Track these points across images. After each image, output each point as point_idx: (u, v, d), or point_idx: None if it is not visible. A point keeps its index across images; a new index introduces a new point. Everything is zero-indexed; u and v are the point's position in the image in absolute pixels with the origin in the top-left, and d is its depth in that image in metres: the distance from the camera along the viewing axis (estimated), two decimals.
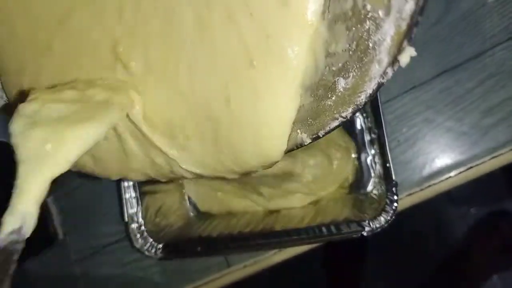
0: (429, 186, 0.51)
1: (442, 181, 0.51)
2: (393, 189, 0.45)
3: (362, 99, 0.25)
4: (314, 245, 0.53)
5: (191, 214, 0.58)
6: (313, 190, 0.53)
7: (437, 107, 0.51)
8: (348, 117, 0.26)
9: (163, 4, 0.26)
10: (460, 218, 1.04)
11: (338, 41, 0.25)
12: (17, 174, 0.22)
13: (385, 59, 0.24)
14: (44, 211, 0.60)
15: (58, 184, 0.59)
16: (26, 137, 0.22)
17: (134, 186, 0.53)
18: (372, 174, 0.52)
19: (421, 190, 0.51)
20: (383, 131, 0.46)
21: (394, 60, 0.23)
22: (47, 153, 0.22)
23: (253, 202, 0.55)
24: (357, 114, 0.52)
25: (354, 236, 0.46)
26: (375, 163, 0.51)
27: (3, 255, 0.22)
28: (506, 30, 0.49)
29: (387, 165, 0.46)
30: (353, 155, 0.53)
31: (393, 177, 0.46)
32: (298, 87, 0.25)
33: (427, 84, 0.51)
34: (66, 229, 0.63)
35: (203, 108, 0.26)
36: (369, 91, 0.25)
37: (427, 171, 0.51)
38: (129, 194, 0.52)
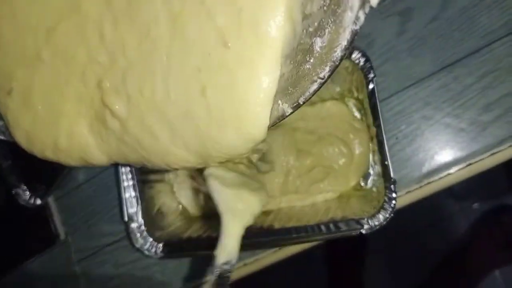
0: (428, 183, 0.51)
1: (441, 178, 0.51)
2: (392, 186, 0.45)
3: (338, 54, 0.25)
4: (314, 243, 0.53)
5: (190, 213, 0.58)
6: (336, 187, 0.53)
7: (435, 103, 0.51)
8: (326, 77, 0.25)
9: (136, 10, 0.25)
10: (462, 213, 1.04)
11: (313, 0, 0.25)
12: (222, 222, 0.33)
13: (356, 3, 0.23)
14: (45, 211, 0.60)
15: (59, 185, 0.60)
16: (222, 196, 0.33)
17: (134, 185, 0.53)
18: (371, 172, 0.52)
19: (420, 187, 0.51)
20: (381, 128, 0.46)
21: (364, 2, 0.23)
22: (240, 210, 0.33)
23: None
24: (357, 113, 0.52)
25: (353, 234, 0.46)
26: (374, 161, 0.51)
27: (221, 279, 0.32)
28: (506, 26, 0.49)
29: (386, 162, 0.46)
30: (371, 140, 0.51)
31: (392, 175, 0.45)
32: (278, 57, 0.23)
33: (425, 81, 0.51)
34: (67, 229, 0.63)
35: (180, 110, 0.25)
36: (344, 42, 0.24)
37: (426, 168, 0.51)
38: (129, 193, 0.53)
